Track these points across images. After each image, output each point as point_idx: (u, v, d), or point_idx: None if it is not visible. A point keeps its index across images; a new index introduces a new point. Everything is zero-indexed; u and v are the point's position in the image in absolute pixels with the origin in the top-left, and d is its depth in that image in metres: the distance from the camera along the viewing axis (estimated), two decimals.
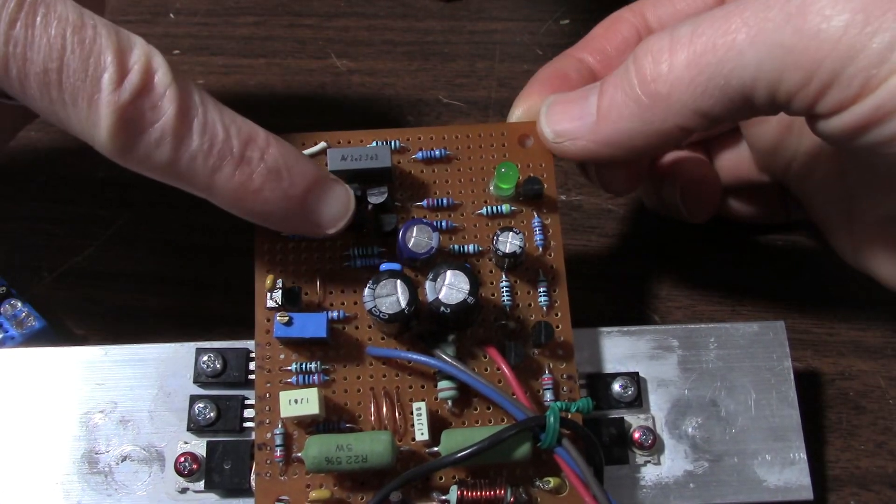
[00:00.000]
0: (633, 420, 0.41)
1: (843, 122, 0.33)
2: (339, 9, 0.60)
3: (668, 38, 0.35)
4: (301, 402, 0.36)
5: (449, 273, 0.36)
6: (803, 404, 0.45)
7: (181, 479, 0.39)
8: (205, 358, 0.40)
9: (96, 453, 0.40)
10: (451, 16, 0.60)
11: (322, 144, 0.41)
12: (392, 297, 0.36)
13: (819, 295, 0.50)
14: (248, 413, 0.40)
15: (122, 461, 0.39)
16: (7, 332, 0.44)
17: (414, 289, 0.36)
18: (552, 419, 0.35)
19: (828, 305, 0.49)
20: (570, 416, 0.37)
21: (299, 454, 0.36)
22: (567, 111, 0.39)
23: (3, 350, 0.42)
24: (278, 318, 0.37)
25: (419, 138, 0.41)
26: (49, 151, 0.53)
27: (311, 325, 0.37)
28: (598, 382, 0.41)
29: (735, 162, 0.49)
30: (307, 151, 0.41)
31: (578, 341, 0.40)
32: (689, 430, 0.41)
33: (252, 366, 0.40)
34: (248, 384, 0.40)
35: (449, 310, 0.36)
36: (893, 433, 0.45)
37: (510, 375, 0.37)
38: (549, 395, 0.38)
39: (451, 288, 0.36)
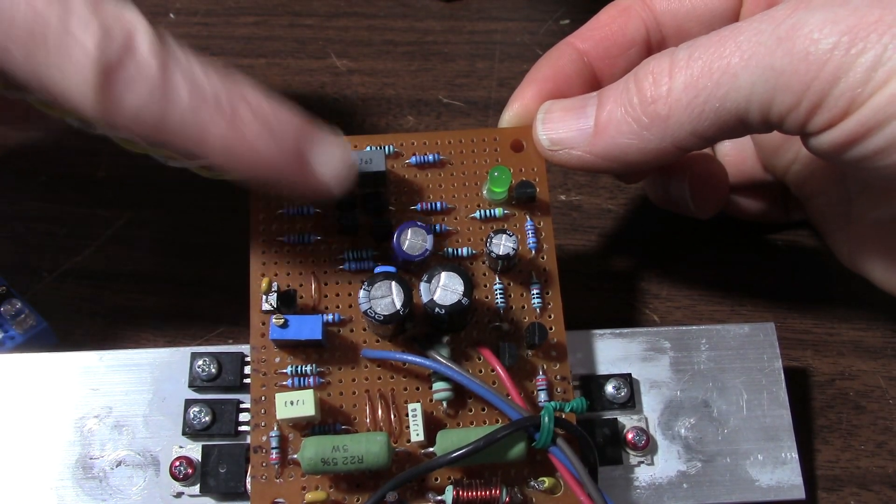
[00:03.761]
0: (627, 421, 0.41)
1: (831, 139, 0.34)
2: (339, 9, 0.60)
3: (668, 61, 0.36)
4: (297, 403, 0.36)
5: (443, 274, 0.37)
6: (803, 404, 0.45)
7: (176, 484, 0.39)
8: (200, 362, 0.40)
9: (91, 458, 0.40)
10: (451, 16, 0.60)
11: None
12: (387, 298, 0.36)
13: (819, 295, 0.50)
14: (244, 417, 0.40)
15: (116, 466, 0.39)
16: (7, 332, 0.44)
17: (409, 290, 0.36)
18: (546, 419, 0.35)
19: (828, 305, 0.49)
20: (563, 416, 0.37)
21: (295, 456, 0.36)
22: (564, 120, 0.40)
23: None
24: (274, 320, 0.37)
25: (413, 143, 0.42)
26: (49, 151, 0.53)
27: (307, 327, 0.37)
28: (591, 384, 0.41)
29: (740, 158, 0.49)
30: None
31: (571, 343, 0.40)
32: (682, 430, 0.41)
33: (247, 370, 0.40)
34: (244, 388, 0.40)
35: (444, 311, 0.36)
36: (893, 433, 0.45)
37: (504, 376, 0.37)
38: (543, 396, 0.38)
39: (445, 289, 0.36)
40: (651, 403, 0.42)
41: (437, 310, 0.36)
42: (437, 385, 0.38)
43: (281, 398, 0.36)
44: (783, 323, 0.48)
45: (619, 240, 0.52)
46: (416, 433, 0.37)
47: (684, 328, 0.43)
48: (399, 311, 0.36)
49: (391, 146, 0.42)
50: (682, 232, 0.51)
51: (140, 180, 0.52)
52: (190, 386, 0.40)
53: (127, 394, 0.41)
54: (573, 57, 0.43)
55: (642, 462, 0.41)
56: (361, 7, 0.60)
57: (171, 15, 0.59)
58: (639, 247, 0.51)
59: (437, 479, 0.37)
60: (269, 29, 0.59)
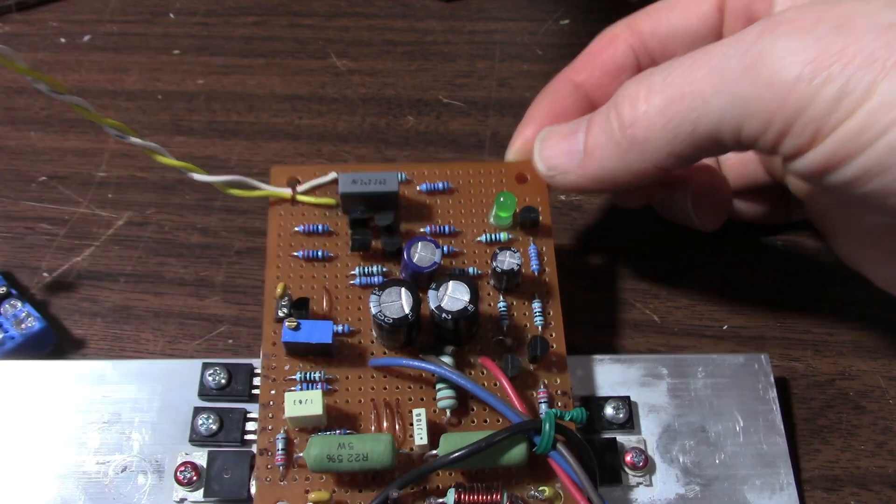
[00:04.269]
0: (626, 441, 0.41)
1: (803, 166, 0.34)
2: (339, 9, 0.60)
3: (645, 85, 0.37)
4: (305, 402, 0.36)
5: (451, 283, 0.38)
6: (804, 404, 0.45)
7: (180, 489, 0.39)
8: (210, 372, 0.41)
9: (97, 463, 0.40)
10: (451, 16, 0.60)
11: (332, 175, 0.43)
12: (396, 303, 0.37)
13: (819, 295, 0.50)
14: (251, 426, 0.40)
15: (121, 471, 0.40)
16: (7, 332, 0.44)
17: (417, 297, 0.37)
18: (548, 424, 0.35)
19: (828, 305, 0.49)
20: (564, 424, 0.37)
21: (300, 455, 0.37)
22: (559, 146, 0.41)
23: (8, 361, 0.42)
24: (287, 323, 0.38)
25: (424, 172, 0.44)
26: (49, 151, 0.53)
27: (318, 331, 0.38)
28: (590, 405, 0.42)
29: (742, 162, 0.49)
30: (317, 181, 0.43)
31: (572, 368, 0.41)
32: (681, 456, 0.42)
33: (257, 381, 0.40)
34: (252, 398, 0.41)
35: (450, 316, 0.37)
36: (893, 433, 0.45)
37: (507, 385, 0.38)
38: (544, 409, 0.39)
39: (452, 297, 0.37)
40: (649, 427, 0.42)
41: (444, 315, 0.37)
42: (441, 393, 0.38)
43: (290, 397, 0.36)
44: (783, 323, 0.48)
45: (619, 240, 0.52)
46: (420, 436, 0.37)
47: (681, 356, 0.44)
48: (408, 315, 0.37)
49: (403, 174, 0.43)
50: (682, 232, 0.51)
51: (140, 180, 0.52)
52: (200, 395, 0.41)
53: (136, 401, 0.41)
54: (570, 90, 0.44)
55: (641, 483, 0.41)
56: (361, 7, 0.60)
57: (171, 15, 0.59)
58: (639, 247, 0.51)
59: (438, 487, 0.37)
60: (269, 29, 0.59)
